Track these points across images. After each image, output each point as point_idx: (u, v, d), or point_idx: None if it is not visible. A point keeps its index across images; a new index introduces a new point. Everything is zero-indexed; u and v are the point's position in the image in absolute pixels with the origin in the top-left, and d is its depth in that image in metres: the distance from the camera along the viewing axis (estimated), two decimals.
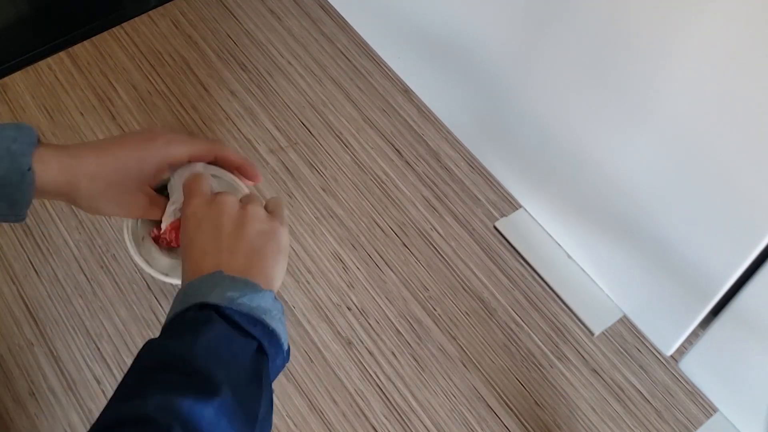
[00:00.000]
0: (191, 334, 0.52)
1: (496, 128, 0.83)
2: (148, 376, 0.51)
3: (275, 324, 0.56)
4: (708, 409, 0.78)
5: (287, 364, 0.61)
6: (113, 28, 1.03)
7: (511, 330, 0.82)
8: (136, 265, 0.77)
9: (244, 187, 0.72)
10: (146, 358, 0.52)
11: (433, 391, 0.78)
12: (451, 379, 0.79)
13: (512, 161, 0.85)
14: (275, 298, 0.57)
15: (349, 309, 0.83)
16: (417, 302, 0.84)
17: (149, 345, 0.53)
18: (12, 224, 0.86)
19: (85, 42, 1.01)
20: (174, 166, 0.68)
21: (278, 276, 0.61)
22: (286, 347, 0.57)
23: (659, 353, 0.81)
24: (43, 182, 0.62)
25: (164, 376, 0.50)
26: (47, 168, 0.62)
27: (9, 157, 0.60)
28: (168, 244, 0.73)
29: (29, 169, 0.61)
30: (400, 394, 0.78)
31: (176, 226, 0.69)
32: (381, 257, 0.86)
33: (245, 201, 0.64)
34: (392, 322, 0.82)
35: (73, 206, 0.66)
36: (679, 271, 0.68)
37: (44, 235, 0.86)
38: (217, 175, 0.70)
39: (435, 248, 0.87)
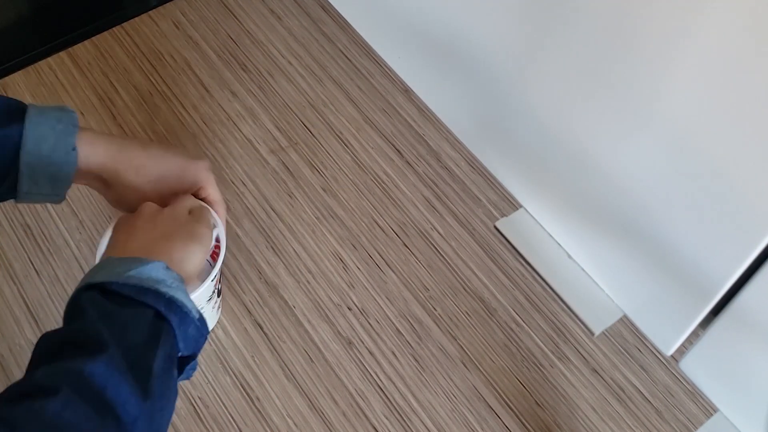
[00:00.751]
0: (76, 316, 0.52)
1: (496, 128, 0.83)
2: (37, 359, 0.51)
3: (173, 292, 0.55)
4: (708, 409, 0.78)
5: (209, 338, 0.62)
6: (114, 28, 1.03)
7: (512, 330, 0.82)
8: None
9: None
10: (37, 348, 0.52)
11: (433, 391, 0.79)
12: (451, 379, 0.79)
13: (513, 161, 0.85)
14: (167, 267, 0.57)
15: (349, 309, 0.83)
16: (417, 302, 0.84)
17: (41, 337, 0.53)
18: (13, 224, 0.86)
19: (85, 42, 1.01)
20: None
21: (186, 259, 0.61)
22: (195, 315, 0.57)
23: (659, 353, 0.81)
24: (88, 163, 0.64)
25: (51, 353, 0.50)
26: (94, 151, 0.64)
27: (54, 136, 0.62)
28: None
29: (74, 148, 0.62)
30: (401, 394, 0.78)
31: None
32: (381, 257, 0.86)
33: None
34: (393, 322, 0.82)
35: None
36: (680, 271, 0.68)
37: (45, 235, 0.86)
38: None
39: (435, 248, 0.87)
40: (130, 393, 0.48)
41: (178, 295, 0.55)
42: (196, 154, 0.71)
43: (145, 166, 0.67)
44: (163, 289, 0.55)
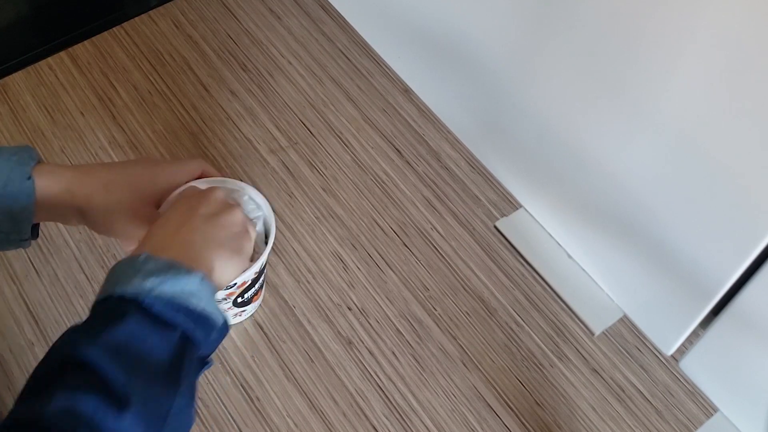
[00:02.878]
0: (105, 331, 0.50)
1: (496, 128, 0.83)
2: (56, 373, 0.49)
3: (204, 305, 0.53)
4: (708, 409, 0.78)
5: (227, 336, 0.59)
6: (114, 28, 1.03)
7: (512, 330, 0.82)
8: None
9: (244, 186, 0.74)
10: (58, 352, 0.50)
11: (433, 390, 0.79)
12: (451, 379, 0.79)
13: (513, 161, 0.85)
14: (203, 278, 0.54)
15: (349, 309, 0.83)
16: (417, 302, 0.84)
17: (66, 335, 0.51)
18: None
19: (85, 42, 1.01)
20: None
21: (225, 273, 0.59)
22: (219, 321, 0.55)
23: (660, 353, 0.81)
24: (51, 194, 0.61)
25: (72, 377, 0.48)
26: (55, 179, 0.61)
27: (9, 168, 0.59)
28: None
29: (29, 177, 0.59)
30: (401, 393, 0.78)
31: None
32: (381, 257, 0.86)
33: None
34: (392, 322, 0.82)
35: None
36: (680, 271, 0.68)
37: (44, 235, 0.86)
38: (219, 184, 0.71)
39: (435, 248, 0.87)
40: None
41: (208, 308, 0.54)
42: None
43: (113, 180, 0.63)
44: (194, 303, 0.53)
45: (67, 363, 0.49)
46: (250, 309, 0.80)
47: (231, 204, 0.63)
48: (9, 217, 0.60)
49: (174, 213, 0.60)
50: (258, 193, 0.75)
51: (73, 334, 0.51)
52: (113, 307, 0.52)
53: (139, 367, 0.49)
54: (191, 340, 0.53)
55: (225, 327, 0.57)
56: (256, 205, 0.76)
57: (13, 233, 0.61)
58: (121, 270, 0.54)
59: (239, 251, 0.61)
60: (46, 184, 0.61)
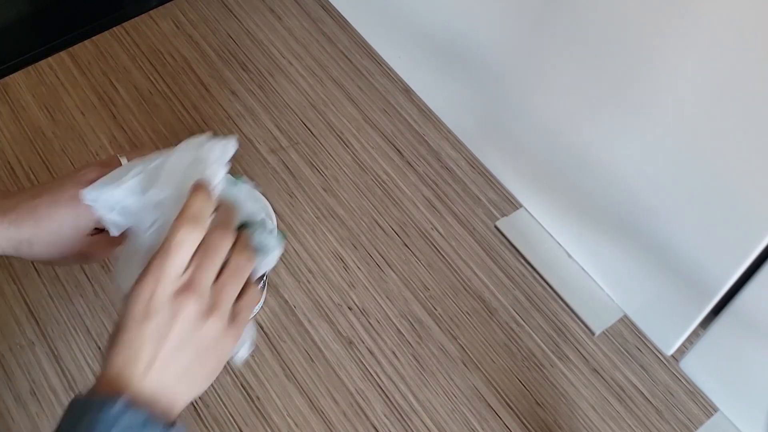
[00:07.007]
0: None
1: (497, 128, 0.83)
2: None
3: None
4: (709, 409, 0.78)
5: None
6: (114, 28, 1.03)
7: (512, 330, 0.82)
8: None
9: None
10: None
11: (433, 390, 0.79)
12: (452, 379, 0.79)
13: (513, 161, 0.85)
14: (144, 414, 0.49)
15: (349, 309, 0.83)
16: (418, 302, 0.84)
17: None
18: None
19: (85, 42, 1.01)
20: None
21: (186, 398, 0.53)
22: None
23: (660, 353, 0.81)
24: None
25: None
26: None
27: None
28: None
29: None
30: (401, 393, 0.78)
31: None
32: (382, 257, 0.86)
33: (212, 303, 0.53)
34: (393, 322, 0.82)
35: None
36: (680, 271, 0.68)
37: None
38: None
39: (436, 248, 0.87)
40: None
41: None
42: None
43: (35, 237, 0.60)
44: None
45: None
46: None
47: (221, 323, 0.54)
48: None
49: (163, 338, 0.51)
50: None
51: None
52: None
53: None
54: None
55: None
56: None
57: None
58: (91, 420, 0.48)
59: (211, 375, 0.55)
60: None
